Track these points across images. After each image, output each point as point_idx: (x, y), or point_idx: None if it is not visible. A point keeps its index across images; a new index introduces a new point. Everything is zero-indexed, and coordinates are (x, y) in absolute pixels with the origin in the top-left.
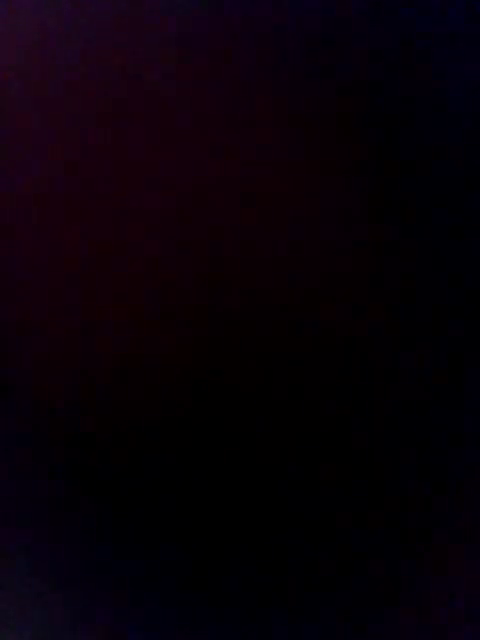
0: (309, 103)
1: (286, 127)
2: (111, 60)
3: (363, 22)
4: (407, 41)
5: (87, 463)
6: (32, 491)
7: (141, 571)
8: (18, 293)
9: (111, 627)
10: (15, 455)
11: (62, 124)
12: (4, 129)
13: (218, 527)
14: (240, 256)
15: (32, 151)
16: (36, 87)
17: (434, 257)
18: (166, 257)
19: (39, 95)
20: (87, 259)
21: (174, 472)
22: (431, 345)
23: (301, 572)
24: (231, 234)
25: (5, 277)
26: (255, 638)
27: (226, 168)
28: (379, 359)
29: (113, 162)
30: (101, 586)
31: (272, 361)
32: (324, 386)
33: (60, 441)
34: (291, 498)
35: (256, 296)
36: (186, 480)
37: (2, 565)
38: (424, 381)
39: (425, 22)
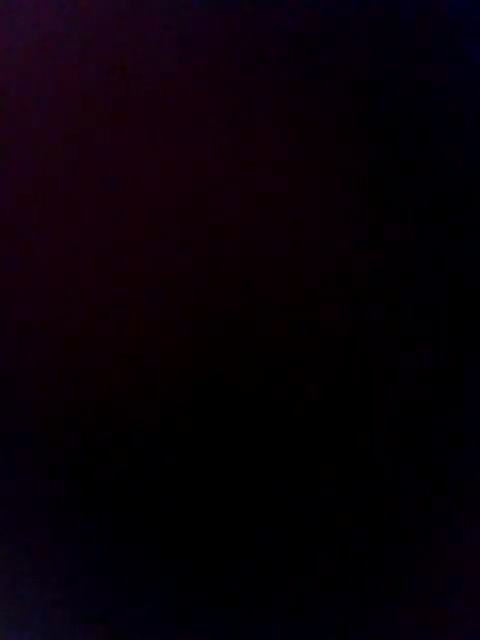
0: (309, 103)
1: (286, 127)
2: (111, 60)
3: (363, 22)
4: (407, 41)
5: (87, 463)
6: (32, 491)
7: (141, 571)
8: (18, 293)
9: (111, 627)
10: (15, 455)
11: (62, 124)
12: (4, 129)
13: (218, 527)
14: (240, 256)
15: (32, 151)
16: (36, 87)
17: (434, 257)
18: (166, 257)
19: (39, 95)
20: (87, 259)
21: (174, 472)
22: (431, 345)
23: (301, 572)
24: (231, 234)
25: (5, 277)
26: (255, 638)
27: (226, 168)
28: (379, 359)
29: (113, 162)
30: (101, 586)
31: (272, 361)
32: (324, 386)
33: (60, 441)
34: (291, 498)
35: (256, 296)
36: (186, 480)
37: (2, 565)
38: (424, 381)
39: (425, 22)
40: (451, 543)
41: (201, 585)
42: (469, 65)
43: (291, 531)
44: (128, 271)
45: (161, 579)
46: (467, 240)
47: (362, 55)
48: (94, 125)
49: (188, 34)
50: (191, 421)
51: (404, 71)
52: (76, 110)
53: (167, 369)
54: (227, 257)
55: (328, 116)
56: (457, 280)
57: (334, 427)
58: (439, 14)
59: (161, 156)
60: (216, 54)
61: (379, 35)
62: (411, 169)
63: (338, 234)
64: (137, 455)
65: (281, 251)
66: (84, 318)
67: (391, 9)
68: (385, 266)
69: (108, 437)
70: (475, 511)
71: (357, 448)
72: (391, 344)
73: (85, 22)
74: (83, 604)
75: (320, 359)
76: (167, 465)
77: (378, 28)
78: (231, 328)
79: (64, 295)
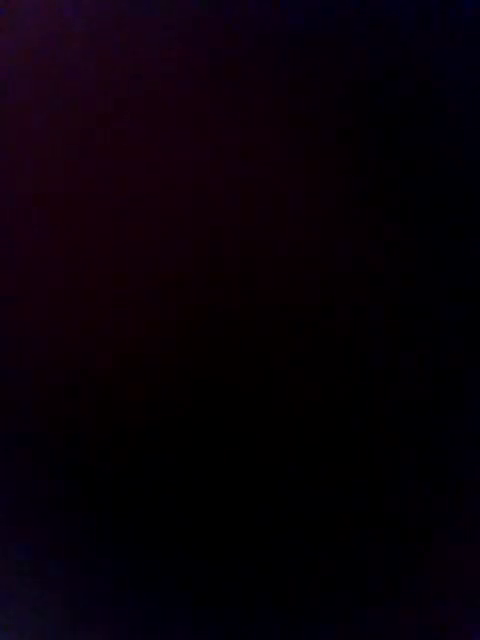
0: (309, 103)
1: (286, 127)
2: (111, 60)
3: (363, 22)
4: (407, 41)
5: (87, 463)
6: (32, 491)
7: (141, 571)
8: (18, 293)
9: (111, 627)
10: (15, 455)
11: (62, 124)
12: (5, 130)
13: (218, 527)
14: (240, 256)
15: (32, 151)
16: (37, 87)
17: (434, 257)
18: (166, 257)
19: (40, 95)
20: (87, 259)
21: (174, 472)
22: (431, 345)
23: (301, 572)
24: (231, 234)
25: (5, 277)
26: (255, 638)
27: (226, 168)
28: (379, 359)
29: (113, 162)
30: (101, 586)
31: (272, 361)
32: (324, 386)
33: (60, 441)
34: (291, 498)
35: (256, 296)
36: (186, 480)
37: (2, 566)
38: (424, 381)
39: (425, 22)
40: (451, 543)
41: (201, 585)
42: (469, 65)
43: (291, 531)
44: (128, 271)
45: (161, 579)
46: (467, 240)
47: (362, 55)
48: (94, 125)
49: (188, 34)
50: (191, 421)
51: (404, 71)
52: (76, 110)
53: (167, 369)
54: (227, 257)
55: (328, 116)
56: (457, 280)
57: (334, 427)
58: (439, 14)
59: (161, 156)
60: (216, 54)
61: (379, 35)
62: (411, 169)
63: (338, 234)
64: (137, 455)
65: (281, 251)
66: (84, 318)
67: (391, 9)
68: (385, 266)
69: (108, 437)
70: (475, 511)
71: (357, 448)
72: (391, 344)
73: (85, 22)
74: (83, 604)
75: (320, 359)
76: (167, 465)
77: (378, 28)
78: (231, 328)
79: (64, 295)
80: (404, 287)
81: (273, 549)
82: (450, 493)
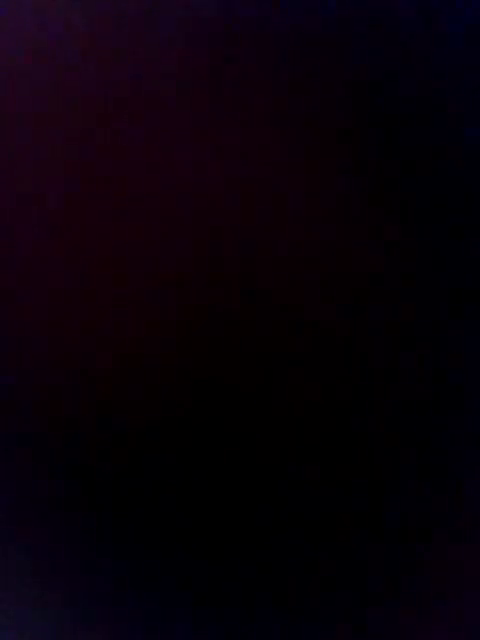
0: (309, 103)
1: (286, 127)
2: (112, 60)
3: (363, 22)
4: (407, 41)
5: (87, 463)
6: (32, 491)
7: (141, 571)
8: (19, 293)
9: (111, 627)
10: (15, 455)
11: (63, 125)
12: (6, 130)
13: (218, 527)
14: (240, 256)
15: (33, 152)
16: (37, 88)
17: (434, 257)
18: (166, 257)
19: (40, 96)
20: (87, 259)
21: (174, 472)
22: (431, 345)
23: (301, 572)
24: (231, 234)
25: (5, 277)
26: (255, 638)
27: (226, 168)
28: (379, 359)
29: (113, 162)
30: (101, 586)
31: (272, 361)
32: (324, 386)
33: (60, 441)
34: (291, 498)
35: (256, 296)
36: (186, 480)
37: (2, 566)
38: (424, 381)
39: (425, 22)
40: (451, 543)
41: (201, 585)
42: (469, 65)
43: (291, 531)
44: (128, 271)
45: (161, 579)
46: (467, 240)
47: (362, 55)
48: (94, 125)
49: (188, 34)
50: (191, 421)
51: (404, 71)
52: (77, 110)
53: (167, 369)
54: (227, 257)
55: (328, 116)
56: (457, 280)
57: (334, 427)
58: (439, 14)
59: (161, 156)
60: (216, 54)
61: (379, 35)
62: (411, 169)
63: (338, 234)
64: (137, 455)
65: (281, 251)
66: (84, 318)
67: (391, 9)
68: (385, 266)
69: (108, 437)
70: (475, 511)
71: (357, 448)
72: (391, 344)
73: (85, 22)
74: (83, 604)
75: (320, 359)
76: (167, 465)
77: (378, 28)
78: (231, 328)
79: (64, 295)
80: (404, 287)
81: (273, 549)
82: (450, 493)
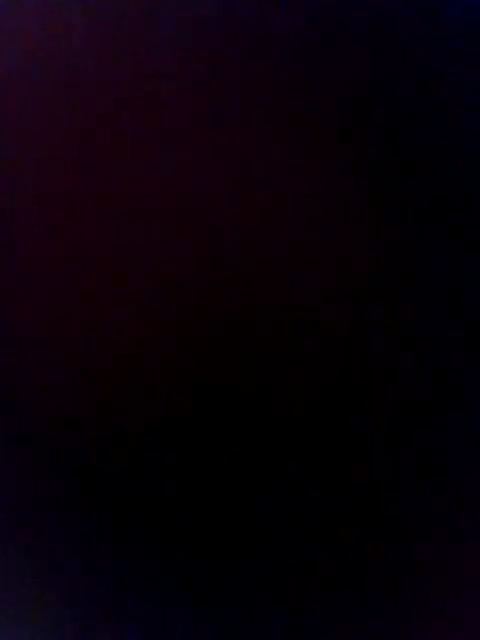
0: (309, 103)
1: (286, 127)
2: (111, 60)
3: (363, 22)
4: (407, 41)
5: (87, 463)
6: (32, 491)
7: (141, 571)
8: (19, 293)
9: (111, 627)
10: (15, 455)
11: (63, 125)
12: (7, 131)
13: (218, 527)
14: (240, 256)
15: (34, 152)
16: (38, 88)
17: (434, 257)
18: (166, 257)
19: (41, 96)
20: (87, 259)
21: (174, 472)
22: (431, 345)
23: (301, 572)
24: (231, 234)
25: (6, 277)
26: (255, 638)
27: (226, 168)
28: (379, 359)
29: (113, 162)
30: (101, 586)
31: (272, 361)
32: (324, 386)
33: (60, 441)
34: (291, 498)
35: (256, 296)
36: (186, 480)
37: (2, 566)
38: (424, 381)
39: (425, 22)
40: (451, 543)
41: (201, 585)
42: (469, 65)
43: (291, 531)
44: (128, 271)
45: (161, 579)
46: (467, 240)
47: (362, 55)
48: (94, 125)
49: (189, 34)
50: (191, 421)
51: (404, 71)
52: (76, 110)
53: (167, 369)
54: (227, 257)
55: (328, 116)
56: (457, 280)
57: (334, 427)
58: (439, 14)
59: (161, 156)
60: (216, 54)
61: (379, 35)
62: (411, 169)
63: (338, 234)
64: (137, 455)
65: (281, 251)
66: (84, 318)
67: (391, 9)
68: (385, 266)
69: (108, 437)
70: (475, 511)
71: (357, 448)
72: (391, 344)
73: (85, 22)
74: (83, 604)
75: (320, 359)
76: (167, 465)
77: (378, 28)
78: (231, 328)
79: (64, 295)
80: (404, 287)
81: (273, 549)
82: (450, 493)
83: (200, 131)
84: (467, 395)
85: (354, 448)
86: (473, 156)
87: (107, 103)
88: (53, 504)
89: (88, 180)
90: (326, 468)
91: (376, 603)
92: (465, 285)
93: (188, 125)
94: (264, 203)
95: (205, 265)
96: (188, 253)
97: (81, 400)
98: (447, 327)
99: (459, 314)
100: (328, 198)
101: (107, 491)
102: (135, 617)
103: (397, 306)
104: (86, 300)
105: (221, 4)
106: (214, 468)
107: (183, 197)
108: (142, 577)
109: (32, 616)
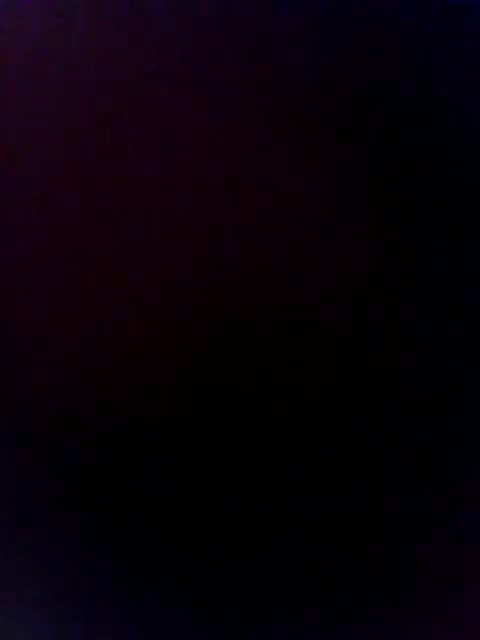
0: (309, 103)
1: (286, 127)
2: (111, 60)
3: (363, 22)
4: (407, 41)
5: (87, 463)
6: (32, 491)
7: (141, 571)
8: (19, 293)
9: (111, 627)
10: (15, 455)
11: (63, 125)
12: (7, 131)
13: (218, 527)
14: (240, 256)
15: (34, 152)
16: (38, 88)
17: (434, 257)
18: (166, 258)
19: (41, 96)
20: (87, 259)
21: (174, 472)
22: (431, 345)
23: (301, 572)
24: (231, 234)
25: (6, 277)
26: (255, 638)
27: (226, 168)
28: (379, 359)
29: (113, 162)
30: (101, 586)
31: (272, 361)
32: (324, 386)
33: (60, 441)
34: (291, 498)
35: (256, 296)
36: (186, 480)
37: (2, 566)
38: (424, 381)
39: (425, 22)
40: (451, 543)
41: (201, 585)
42: (469, 65)
43: (291, 531)
44: (128, 271)
45: (161, 579)
46: (467, 240)
47: (362, 55)
48: (94, 125)
49: (189, 34)
50: (191, 421)
51: (404, 71)
52: (76, 110)
53: (167, 369)
54: (227, 257)
55: (328, 116)
56: (457, 280)
57: (334, 427)
58: (439, 14)
59: (161, 156)
60: (216, 54)
61: (379, 35)
62: (411, 169)
63: (338, 234)
64: (137, 455)
65: (281, 251)
66: (84, 318)
67: (391, 9)
68: (385, 266)
69: (108, 437)
70: (475, 511)
71: (357, 448)
72: (391, 344)
73: (85, 22)
74: (83, 604)
75: (320, 359)
76: (167, 465)
77: (378, 28)
78: (231, 328)
79: (64, 295)
80: (404, 287)
81: (273, 549)
82: (450, 493)
83: (200, 131)
84: (467, 395)
85: (354, 448)
86: (473, 156)
87: (107, 103)
88: (53, 504)
89: (88, 180)
90: (326, 468)
91: (376, 603)
92: (465, 285)
93: (188, 125)
94: (264, 203)
95: (205, 265)
96: (188, 253)
97: (81, 400)
98: (447, 327)
99: (459, 314)
100: (328, 198)
101: (107, 491)
102: (135, 617)
103: (397, 306)
104: (86, 300)
105: (221, 4)
106: (214, 468)
107: (183, 197)
108: (142, 577)
109: (32, 616)
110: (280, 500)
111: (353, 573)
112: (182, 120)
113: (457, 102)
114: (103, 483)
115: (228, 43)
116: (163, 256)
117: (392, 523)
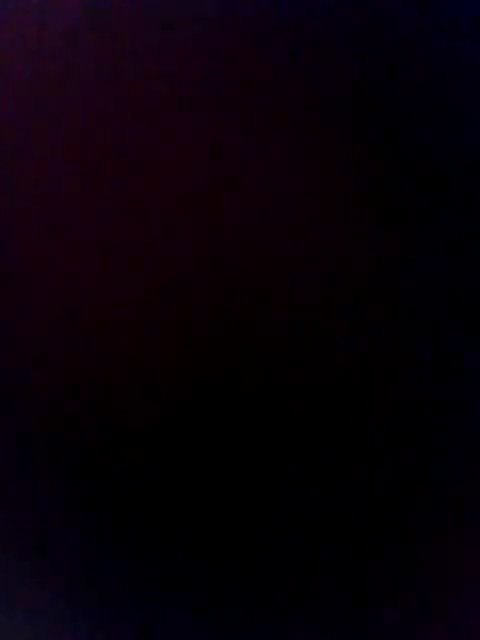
0: (309, 103)
1: (286, 127)
2: (112, 60)
3: (363, 22)
4: (407, 41)
5: (87, 463)
6: (32, 491)
7: (141, 571)
8: (19, 293)
9: (111, 627)
10: (15, 455)
11: (63, 124)
12: (6, 131)
13: (218, 527)
14: (240, 256)
15: (34, 152)
16: (38, 88)
17: (434, 257)
18: (167, 258)
19: (41, 96)
20: (87, 259)
21: (174, 472)
22: (431, 345)
23: (301, 572)
24: (231, 234)
25: (5, 277)
26: (255, 638)
27: (226, 168)
28: (379, 359)
29: (113, 162)
30: (101, 586)
31: (272, 361)
32: (324, 386)
33: (60, 441)
34: (291, 498)
35: (256, 296)
36: (186, 480)
37: (2, 566)
38: (424, 381)
39: (425, 22)
40: (451, 543)
41: (201, 585)
42: (469, 65)
43: (291, 531)
44: (128, 271)
45: (161, 579)
46: (467, 240)
47: (362, 55)
48: (94, 125)
49: (188, 34)
50: (191, 421)
51: (404, 71)
52: (76, 110)
53: (167, 369)
54: (227, 257)
55: (328, 116)
56: (457, 280)
57: (334, 427)
58: (439, 14)
59: (161, 156)
60: (216, 54)
61: (379, 35)
62: (411, 169)
63: (338, 234)
64: (137, 455)
65: (281, 251)
66: (84, 318)
67: (391, 9)
68: (385, 266)
69: (108, 437)
70: (475, 511)
71: (357, 448)
72: (391, 344)
73: (85, 22)
74: (83, 604)
75: (320, 359)
76: (167, 465)
77: (378, 28)
78: (231, 328)
79: (64, 295)
80: (404, 287)
81: (273, 549)
82: (450, 493)
83: (200, 131)
84: (467, 395)
85: (354, 448)
86: (473, 156)
87: (107, 103)
88: (53, 504)
89: (88, 180)
90: (326, 468)
91: (376, 603)
92: (465, 285)
93: (188, 125)
94: (264, 203)
95: (205, 265)
96: (188, 253)
97: (81, 400)
98: (447, 327)
99: (459, 314)
100: (328, 198)
101: (107, 491)
102: (135, 617)
103: (397, 306)
104: (86, 300)
105: (221, 4)
106: (214, 468)
107: (183, 197)
108: (142, 577)
109: (32, 616)
110: (280, 500)
111: (353, 573)
112: (182, 120)
113: (457, 102)
114: (103, 483)
115: (228, 43)
116: (163, 256)
117: (392, 523)
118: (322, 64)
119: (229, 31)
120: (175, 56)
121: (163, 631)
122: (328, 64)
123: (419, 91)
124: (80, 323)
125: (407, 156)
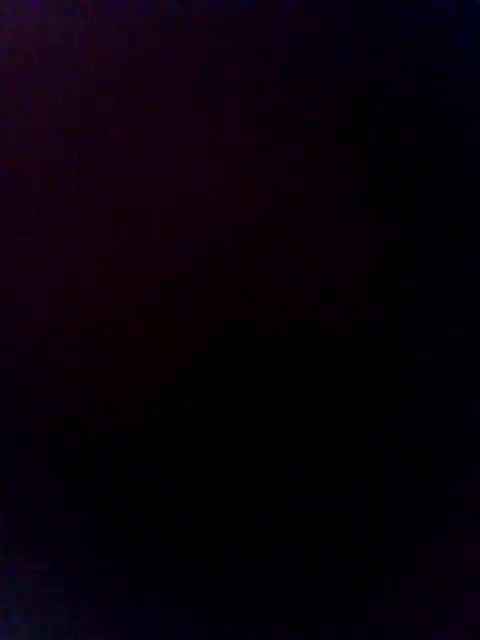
0: (309, 103)
1: (286, 127)
2: (112, 60)
3: (363, 22)
4: (407, 41)
5: (87, 463)
6: (32, 491)
7: (141, 571)
8: (19, 293)
9: (111, 627)
10: (15, 455)
11: (63, 125)
12: (7, 131)
13: (218, 527)
14: (240, 256)
15: (34, 152)
16: (38, 87)
17: (434, 257)
18: (166, 258)
19: (41, 95)
20: (87, 259)
21: (174, 472)
22: (431, 345)
23: (301, 572)
24: (231, 234)
25: (5, 277)
26: (255, 638)
27: (226, 168)
28: (379, 359)
29: (113, 162)
30: (101, 586)
31: (272, 361)
32: (324, 386)
33: (60, 441)
34: (291, 498)
35: (256, 296)
36: (186, 480)
37: (2, 566)
38: (424, 381)
39: (425, 22)
40: (451, 543)
41: (201, 585)
42: (469, 65)
43: (291, 531)
44: (128, 271)
45: (161, 579)
46: (467, 240)
47: (362, 55)
48: (94, 125)
49: (188, 34)
50: (191, 421)
51: (404, 71)
52: (76, 110)
53: (167, 369)
54: (227, 257)
55: (328, 116)
56: (457, 280)
57: (334, 427)
58: (439, 14)
59: (161, 156)
60: (216, 54)
61: (379, 35)
62: (411, 169)
63: (338, 234)
64: (137, 455)
65: (281, 251)
66: (84, 318)
67: (391, 9)
68: (385, 266)
69: (108, 437)
70: (475, 511)
71: (357, 448)
72: (391, 344)
73: (85, 22)
74: (83, 604)
75: (320, 359)
76: (167, 465)
77: (378, 28)
78: (231, 328)
79: (64, 295)
80: (404, 287)
81: (273, 549)
82: (450, 493)
83: (200, 131)
84: (467, 395)
85: (354, 448)
86: (473, 156)
87: (107, 103)
88: (53, 504)
89: (88, 180)
90: (326, 468)
91: (376, 603)
92: (465, 285)
93: (188, 125)
94: (264, 203)
95: (205, 265)
96: (188, 253)
97: (81, 400)
98: (447, 327)
99: (459, 314)
100: (328, 198)
101: (107, 491)
102: (135, 617)
103: (397, 306)
104: (86, 300)
105: (221, 4)
106: (214, 468)
107: (183, 197)
108: (142, 577)
109: (32, 616)
110: (280, 500)
111: (353, 573)
112: (182, 120)
113: (457, 102)
114: (103, 483)
115: (228, 43)
116: (163, 256)
117: (392, 523)
118: (322, 64)
119: (229, 31)
120: (175, 56)
121: (163, 631)
122: (328, 64)
123: (419, 91)
124: (80, 323)
125: (407, 156)
